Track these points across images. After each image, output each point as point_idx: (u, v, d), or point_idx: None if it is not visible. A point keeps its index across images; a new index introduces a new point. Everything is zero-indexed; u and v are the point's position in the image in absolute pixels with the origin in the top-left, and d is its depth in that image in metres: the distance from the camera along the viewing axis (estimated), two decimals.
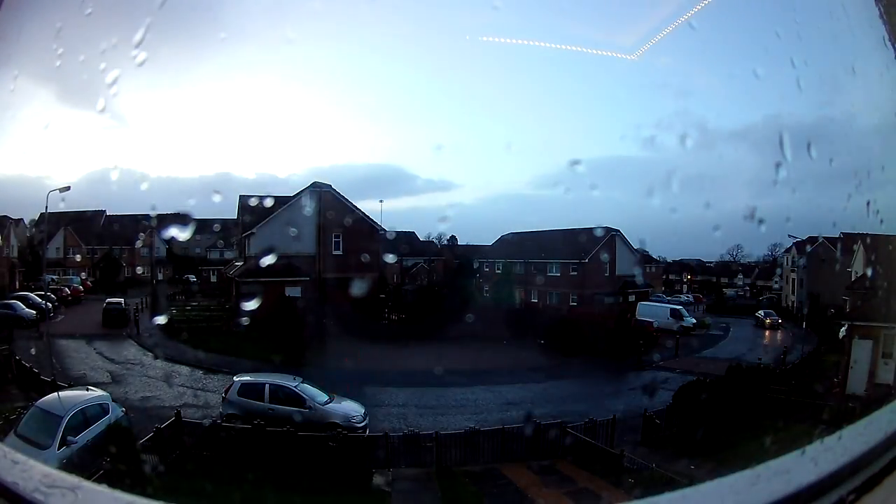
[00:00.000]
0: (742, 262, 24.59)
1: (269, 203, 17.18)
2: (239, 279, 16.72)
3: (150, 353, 13.26)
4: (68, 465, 6.66)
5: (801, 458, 1.25)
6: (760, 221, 11.68)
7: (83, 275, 19.98)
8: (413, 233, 22.15)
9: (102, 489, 1.05)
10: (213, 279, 21.58)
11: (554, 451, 9.12)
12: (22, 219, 16.82)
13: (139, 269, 20.63)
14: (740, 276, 24.52)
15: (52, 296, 16.49)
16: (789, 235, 17.69)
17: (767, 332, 18.75)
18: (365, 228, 17.66)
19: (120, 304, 16.33)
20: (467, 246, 22.60)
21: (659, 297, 21.14)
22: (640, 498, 1.12)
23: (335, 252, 17.38)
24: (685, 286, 24.97)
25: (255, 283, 16.13)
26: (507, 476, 8.51)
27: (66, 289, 18.50)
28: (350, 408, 9.74)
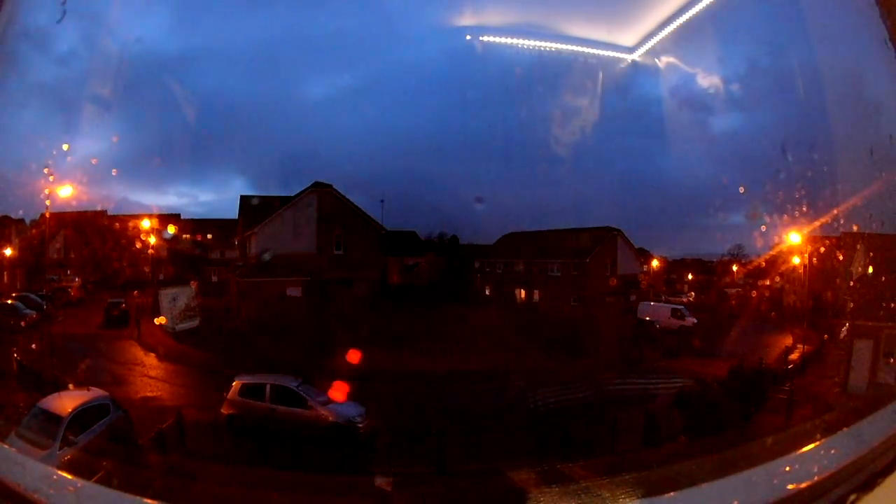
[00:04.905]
0: (743, 261, 24.51)
1: (269, 203, 17.22)
2: (240, 279, 16.74)
3: (151, 353, 13.28)
4: (69, 466, 6.67)
5: (802, 458, 1.25)
6: (762, 221, 11.74)
7: (84, 275, 19.96)
8: (414, 232, 22.12)
9: (103, 489, 1.05)
10: (214, 279, 21.56)
11: (555, 451, 9.13)
12: (22, 219, 16.82)
13: (140, 270, 20.61)
14: (742, 275, 24.45)
15: (53, 296, 16.50)
16: (790, 235, 17.66)
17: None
18: (366, 227, 17.67)
19: (121, 304, 16.33)
20: (468, 245, 22.54)
21: (659, 296, 21.12)
22: (641, 498, 1.12)
23: (336, 252, 17.39)
24: (686, 286, 24.92)
25: (256, 282, 16.17)
26: (508, 476, 8.50)
27: (67, 289, 18.50)
28: (351, 408, 9.76)
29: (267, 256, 15.79)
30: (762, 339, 17.93)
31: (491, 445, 9.01)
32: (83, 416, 7.63)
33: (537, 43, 13.25)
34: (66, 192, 13.82)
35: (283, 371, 10.96)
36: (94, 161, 13.16)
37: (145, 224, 19.03)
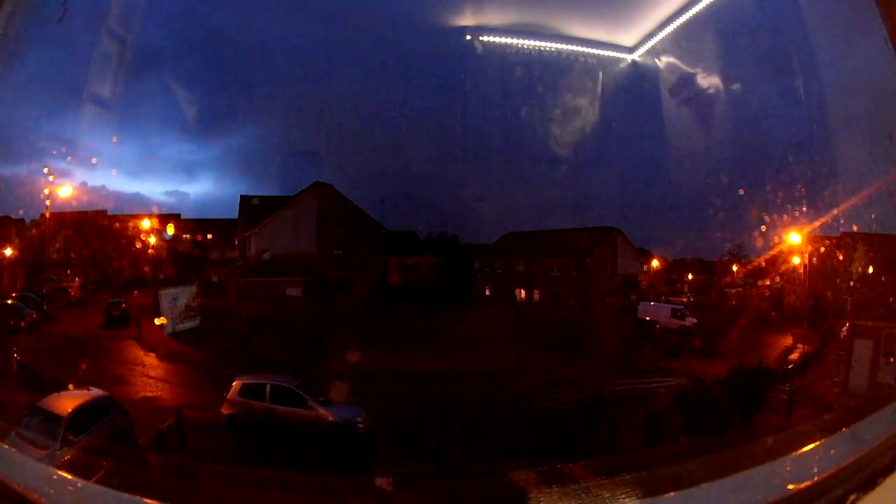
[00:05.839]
0: (743, 261, 24.46)
1: (269, 203, 17.23)
2: (240, 279, 16.74)
3: (151, 354, 13.29)
4: (69, 466, 6.67)
5: (802, 458, 1.25)
6: (762, 221, 11.72)
7: (84, 275, 19.95)
8: (414, 232, 22.10)
9: (103, 489, 1.05)
10: (214, 279, 21.56)
11: (555, 451, 9.13)
12: (23, 219, 16.82)
13: (140, 270, 20.60)
14: (742, 275, 24.42)
15: (53, 296, 16.50)
16: (791, 235, 17.65)
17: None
18: (366, 227, 17.67)
19: (121, 304, 16.32)
20: (468, 245, 22.49)
21: (659, 296, 21.11)
22: (641, 498, 1.12)
23: (336, 251, 17.39)
24: (686, 286, 24.90)
25: (256, 282, 16.18)
26: (507, 476, 8.50)
27: (67, 289, 18.49)
28: (351, 408, 9.77)
29: (267, 256, 15.80)
30: (762, 339, 17.92)
31: (491, 445, 9.00)
32: (83, 416, 7.62)
33: (537, 43, 13.26)
34: (66, 192, 13.84)
35: (282, 371, 10.95)
36: (94, 161, 13.18)
37: (145, 224, 19.04)
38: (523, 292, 20.29)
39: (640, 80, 13.89)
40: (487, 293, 20.80)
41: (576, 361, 14.08)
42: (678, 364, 14.32)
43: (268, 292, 15.72)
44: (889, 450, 1.19)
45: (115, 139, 12.67)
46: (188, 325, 14.78)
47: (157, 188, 16.74)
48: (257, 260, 16.19)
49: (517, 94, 14.24)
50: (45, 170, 13.15)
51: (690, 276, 25.49)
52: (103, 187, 14.52)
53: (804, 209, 11.78)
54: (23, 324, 14.30)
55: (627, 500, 3.65)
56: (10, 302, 15.23)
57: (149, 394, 10.86)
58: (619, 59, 13.61)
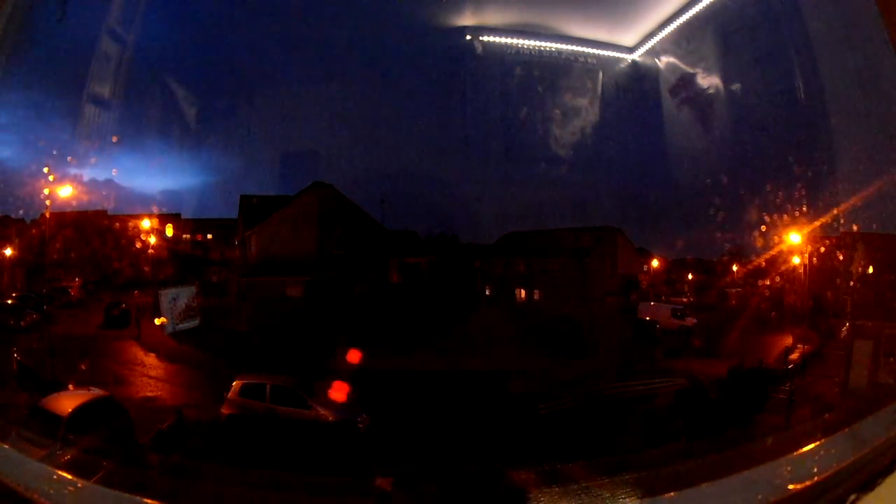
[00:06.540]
0: (743, 261, 24.45)
1: (269, 203, 17.23)
2: (240, 279, 16.74)
3: (151, 354, 13.28)
4: (69, 466, 6.66)
5: (802, 458, 1.25)
6: (762, 221, 11.72)
7: (84, 275, 19.95)
8: (414, 232, 22.08)
9: (103, 489, 1.05)
10: (215, 279, 21.55)
11: (556, 451, 9.12)
12: (23, 219, 16.82)
13: (140, 269, 20.60)
14: (742, 275, 24.41)
15: (53, 296, 16.52)
16: (791, 235, 17.64)
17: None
18: (366, 227, 17.67)
19: (121, 304, 16.33)
20: (468, 245, 22.47)
21: (659, 296, 21.11)
22: (641, 498, 1.12)
23: (336, 251, 17.39)
24: (686, 286, 24.89)
25: (257, 282, 16.18)
26: (507, 475, 8.49)
27: (67, 289, 18.51)
28: (351, 408, 9.77)
29: (267, 256, 15.81)
30: (762, 339, 17.91)
31: (491, 445, 8.99)
32: (83, 416, 7.62)
33: (537, 43, 13.28)
34: (66, 192, 13.84)
35: (283, 371, 10.94)
36: (93, 160, 13.20)
37: (145, 224, 19.04)
38: (523, 292, 20.28)
39: (640, 80, 13.90)
40: (487, 293, 20.79)
41: (576, 362, 14.06)
42: (678, 364, 14.30)
43: (268, 292, 15.72)
44: (889, 450, 1.19)
45: (115, 139, 12.67)
46: (188, 325, 14.80)
47: (156, 187, 16.72)
48: (257, 260, 16.19)
49: (517, 94, 14.25)
50: (45, 170, 13.15)
51: (690, 277, 25.47)
52: (104, 183, 14.51)
53: (804, 209, 11.77)
54: (23, 324, 14.32)
55: (627, 500, 3.63)
56: (10, 302, 15.25)
57: (149, 394, 10.85)
58: (619, 59, 13.63)
